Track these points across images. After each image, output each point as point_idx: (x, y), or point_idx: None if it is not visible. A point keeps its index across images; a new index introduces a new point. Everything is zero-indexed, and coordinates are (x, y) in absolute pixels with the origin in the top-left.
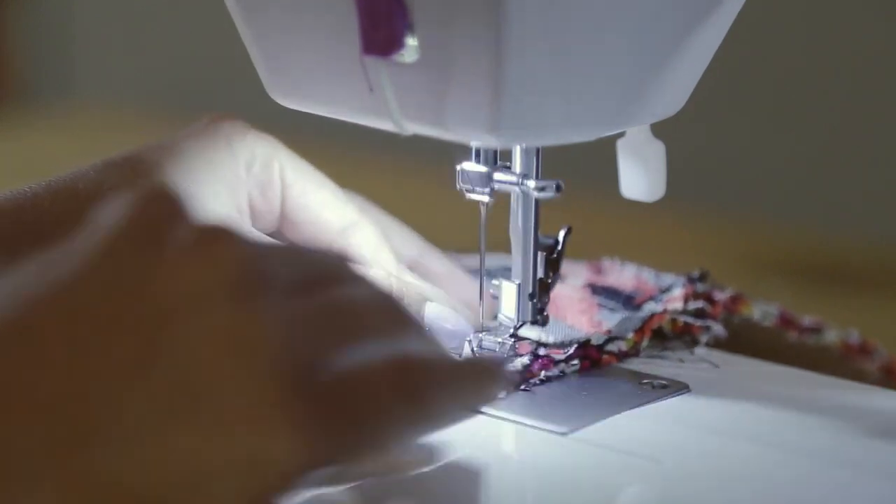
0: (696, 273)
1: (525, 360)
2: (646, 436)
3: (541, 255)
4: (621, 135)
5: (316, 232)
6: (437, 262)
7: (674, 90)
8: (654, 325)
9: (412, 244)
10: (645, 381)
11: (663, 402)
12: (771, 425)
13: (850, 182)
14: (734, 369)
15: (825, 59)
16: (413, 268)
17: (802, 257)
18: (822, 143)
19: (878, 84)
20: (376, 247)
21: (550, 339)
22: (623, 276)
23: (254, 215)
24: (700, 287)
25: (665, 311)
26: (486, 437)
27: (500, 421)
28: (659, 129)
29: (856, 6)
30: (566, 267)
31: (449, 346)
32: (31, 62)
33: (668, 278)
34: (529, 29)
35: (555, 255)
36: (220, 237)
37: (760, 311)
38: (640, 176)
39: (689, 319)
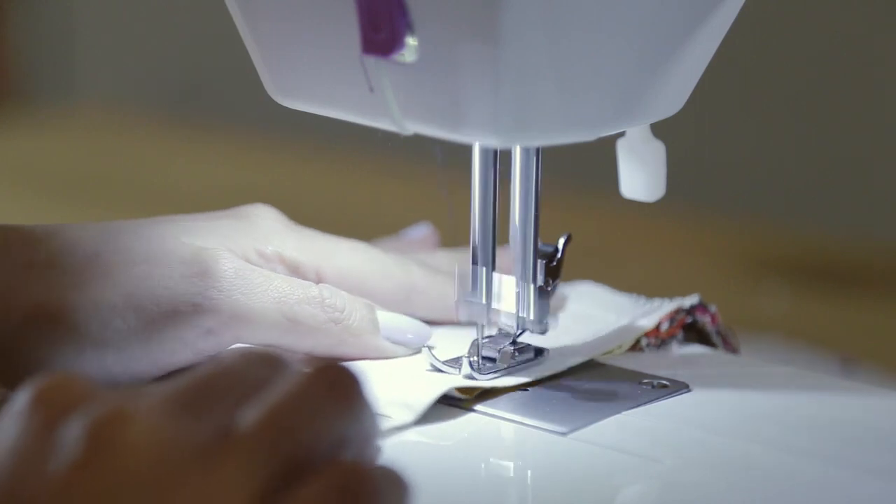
0: None
1: (664, 326)
2: (646, 436)
3: (540, 263)
4: (621, 135)
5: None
6: (442, 258)
7: (673, 90)
8: None
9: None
10: (645, 381)
11: (663, 401)
12: (771, 425)
13: (849, 182)
14: (734, 369)
15: (825, 59)
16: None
17: (802, 257)
18: (822, 144)
19: (878, 84)
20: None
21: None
22: None
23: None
24: None
25: None
26: (486, 437)
27: (500, 421)
28: (659, 129)
29: (856, 6)
30: None
31: (409, 351)
32: (31, 62)
33: None
34: (528, 29)
35: (554, 263)
36: (112, 425)
37: None
38: (639, 176)
39: None
